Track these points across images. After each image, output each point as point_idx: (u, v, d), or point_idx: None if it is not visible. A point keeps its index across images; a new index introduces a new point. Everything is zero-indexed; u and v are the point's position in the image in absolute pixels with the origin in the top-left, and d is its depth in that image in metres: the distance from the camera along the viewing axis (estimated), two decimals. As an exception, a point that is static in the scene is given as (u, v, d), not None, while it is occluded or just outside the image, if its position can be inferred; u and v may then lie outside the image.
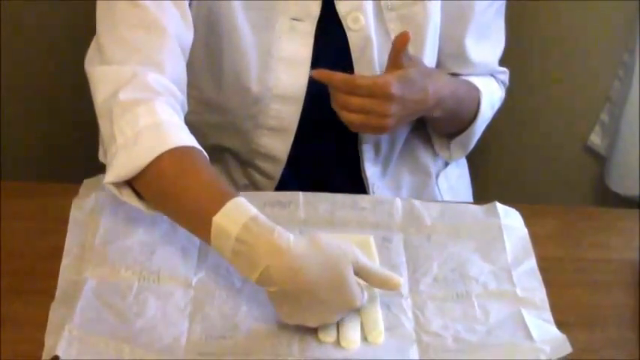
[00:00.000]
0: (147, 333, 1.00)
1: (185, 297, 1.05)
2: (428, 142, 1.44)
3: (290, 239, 0.98)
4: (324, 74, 1.22)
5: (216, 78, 1.29)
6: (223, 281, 1.08)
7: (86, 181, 1.20)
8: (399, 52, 1.22)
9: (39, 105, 1.79)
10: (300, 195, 1.21)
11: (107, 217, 1.14)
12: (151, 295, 1.05)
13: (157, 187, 1.06)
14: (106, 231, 1.12)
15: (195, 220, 1.03)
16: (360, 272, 1.02)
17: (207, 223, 0.99)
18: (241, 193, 1.04)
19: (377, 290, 1.06)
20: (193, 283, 1.07)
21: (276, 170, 1.36)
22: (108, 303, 1.03)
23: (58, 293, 1.05)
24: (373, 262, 1.08)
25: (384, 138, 1.36)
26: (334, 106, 1.23)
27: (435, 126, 1.41)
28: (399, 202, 1.22)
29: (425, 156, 1.44)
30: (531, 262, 1.14)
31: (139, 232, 1.12)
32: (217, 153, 1.38)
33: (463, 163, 1.53)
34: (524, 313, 1.06)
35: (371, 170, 1.38)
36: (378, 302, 1.06)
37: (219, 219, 0.99)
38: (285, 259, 0.97)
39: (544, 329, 1.05)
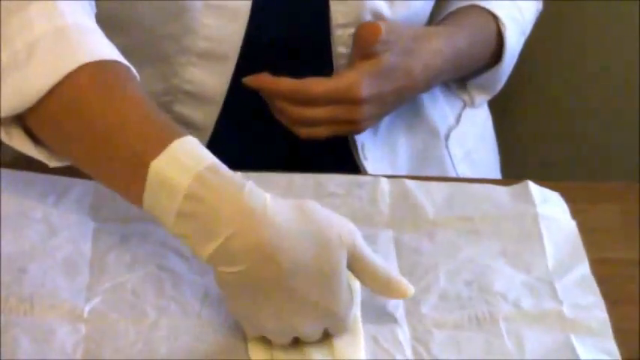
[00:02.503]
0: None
1: (74, 335, 0.80)
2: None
3: (267, 200, 0.76)
4: (265, 81, 1.02)
5: None
6: (130, 309, 0.82)
7: None
8: (369, 46, 1.03)
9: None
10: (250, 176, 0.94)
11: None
12: (23, 335, 0.79)
13: (64, 121, 0.83)
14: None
15: (124, 166, 0.80)
16: (354, 264, 0.78)
17: (142, 171, 0.77)
18: None
19: (358, 313, 0.82)
20: (85, 314, 0.81)
21: (208, 118, 1.08)
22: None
23: None
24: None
25: None
26: (284, 121, 1.03)
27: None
28: (385, 183, 0.97)
29: (429, 107, 1.18)
30: (583, 268, 0.92)
31: (4, 240, 0.87)
32: None
33: (486, 117, 1.27)
34: (576, 342, 0.84)
35: None
36: (360, 330, 0.81)
37: (161, 165, 0.76)
38: (257, 227, 0.74)
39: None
